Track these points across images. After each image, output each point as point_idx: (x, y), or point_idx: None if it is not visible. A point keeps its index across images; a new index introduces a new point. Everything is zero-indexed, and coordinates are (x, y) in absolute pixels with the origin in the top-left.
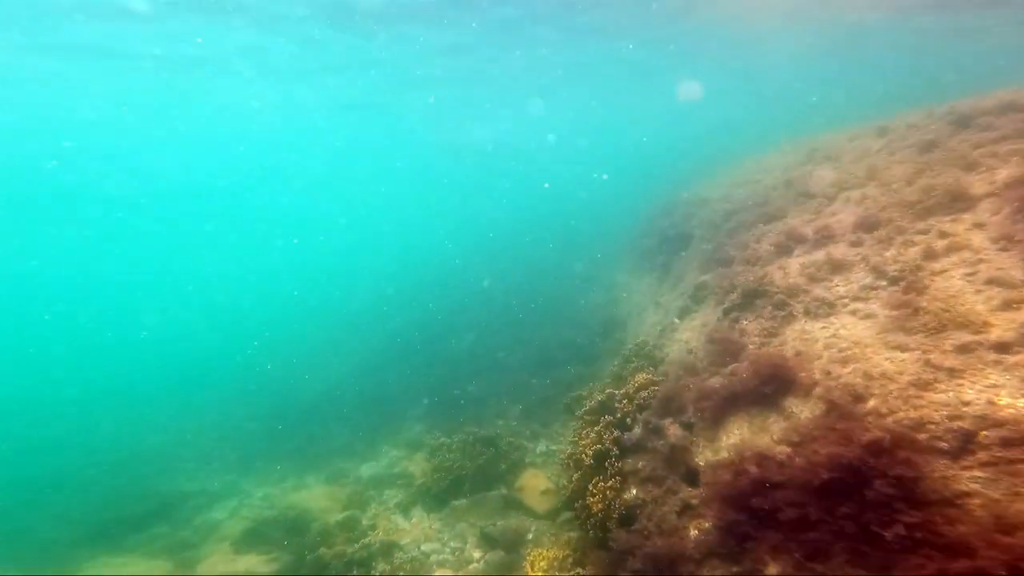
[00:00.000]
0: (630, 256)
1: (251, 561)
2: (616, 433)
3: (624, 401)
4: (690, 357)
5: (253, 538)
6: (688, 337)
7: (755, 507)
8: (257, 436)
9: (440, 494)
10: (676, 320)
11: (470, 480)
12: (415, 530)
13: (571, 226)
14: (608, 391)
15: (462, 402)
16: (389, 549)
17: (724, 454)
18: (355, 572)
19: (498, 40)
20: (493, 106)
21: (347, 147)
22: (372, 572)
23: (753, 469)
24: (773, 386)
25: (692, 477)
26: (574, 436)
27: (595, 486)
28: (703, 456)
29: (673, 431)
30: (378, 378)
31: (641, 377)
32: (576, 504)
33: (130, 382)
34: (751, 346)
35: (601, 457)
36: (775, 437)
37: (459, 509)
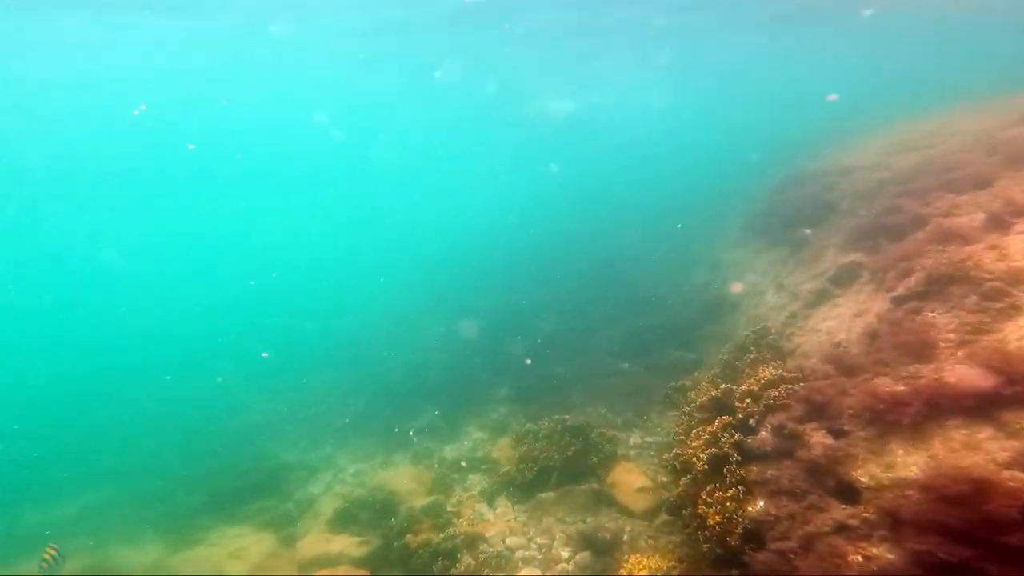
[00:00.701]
0: (742, 232)
1: (344, 542)
2: (738, 436)
3: (748, 400)
4: (838, 352)
5: (345, 518)
6: (831, 327)
7: (964, 537)
8: (349, 411)
9: (525, 485)
10: (809, 306)
11: (558, 472)
12: (499, 522)
13: (665, 201)
14: (724, 387)
15: (549, 385)
16: (474, 541)
17: (907, 472)
18: (440, 562)
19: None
20: (596, 71)
21: (435, 120)
22: (457, 565)
23: (964, 494)
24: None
25: (846, 494)
26: (680, 433)
27: (711, 495)
28: (866, 471)
29: (818, 439)
30: (464, 357)
31: (766, 372)
32: (684, 512)
33: (240, 358)
34: (943, 343)
35: (718, 462)
36: (999, 459)
37: (546, 502)
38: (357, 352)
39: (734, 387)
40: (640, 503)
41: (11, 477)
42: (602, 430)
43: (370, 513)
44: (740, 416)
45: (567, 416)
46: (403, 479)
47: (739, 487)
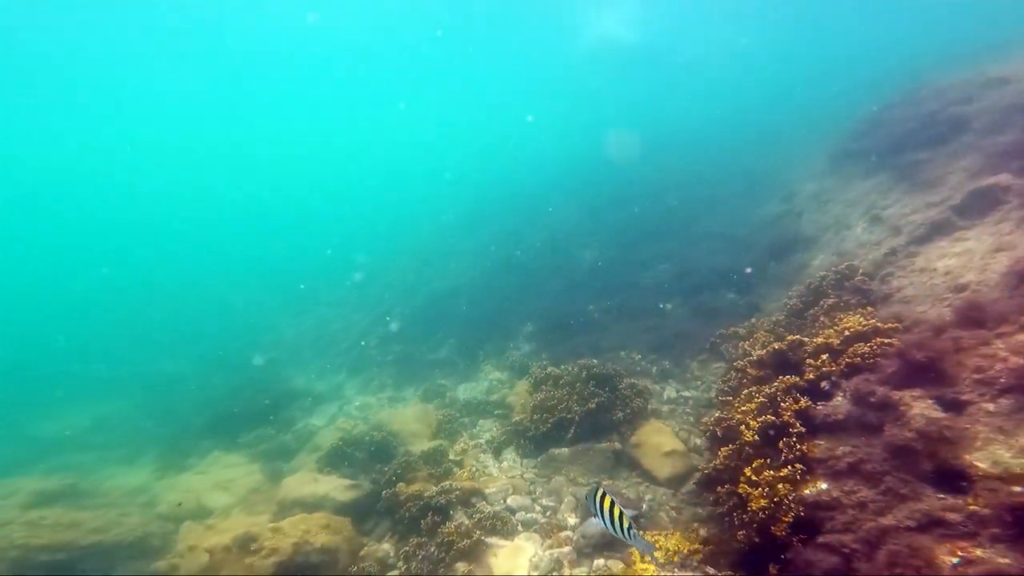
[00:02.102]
0: (830, 161)
1: (331, 484)
2: (804, 402)
3: (823, 357)
4: (965, 297)
5: (338, 458)
6: (951, 266)
7: None
8: (367, 343)
9: (539, 438)
10: (918, 241)
11: (577, 425)
12: (503, 477)
13: (747, 134)
14: (791, 339)
15: (579, 324)
16: (470, 497)
17: None
18: (429, 518)
19: None
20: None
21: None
22: (447, 523)
23: None
24: None
25: (949, 481)
26: (725, 392)
27: (757, 472)
28: (987, 455)
29: (920, 409)
30: (494, 288)
31: (851, 321)
32: (719, 489)
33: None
34: None
35: (773, 433)
36: None
37: (559, 459)
38: (388, 280)
39: (805, 339)
40: (667, 468)
41: (39, 381)
42: (633, 380)
43: (365, 453)
44: (810, 376)
45: (594, 361)
46: (408, 420)
47: (797, 466)
